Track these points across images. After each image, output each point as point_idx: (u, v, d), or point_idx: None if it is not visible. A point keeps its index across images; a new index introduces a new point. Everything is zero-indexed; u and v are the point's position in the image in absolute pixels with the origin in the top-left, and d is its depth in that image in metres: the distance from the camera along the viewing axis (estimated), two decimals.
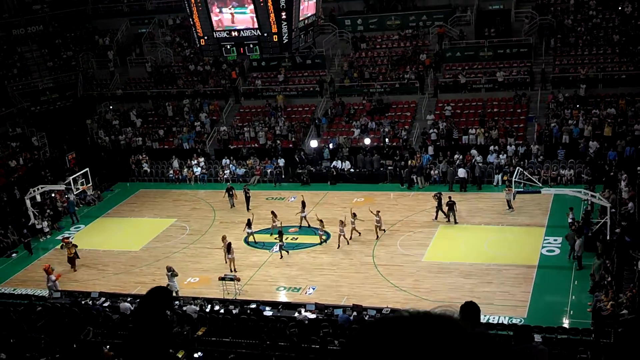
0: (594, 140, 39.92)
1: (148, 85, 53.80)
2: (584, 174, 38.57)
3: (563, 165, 39.76)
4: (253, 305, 27.54)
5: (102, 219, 41.31)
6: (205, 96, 51.45)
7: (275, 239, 34.01)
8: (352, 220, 34.04)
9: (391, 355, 1.20)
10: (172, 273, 29.79)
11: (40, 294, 31.25)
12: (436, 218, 36.01)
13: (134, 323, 3.85)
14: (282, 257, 32.92)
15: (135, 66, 55.49)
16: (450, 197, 35.86)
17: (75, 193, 41.24)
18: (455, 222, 35.40)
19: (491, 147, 41.49)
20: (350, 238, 34.06)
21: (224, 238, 33.16)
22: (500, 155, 40.86)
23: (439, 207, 35.90)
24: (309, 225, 36.08)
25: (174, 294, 30.06)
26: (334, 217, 35.70)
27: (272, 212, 35.52)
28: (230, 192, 40.65)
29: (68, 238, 34.64)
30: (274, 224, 34.99)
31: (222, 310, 27.39)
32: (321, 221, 34.38)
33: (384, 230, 34.71)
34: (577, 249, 29.51)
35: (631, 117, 40.56)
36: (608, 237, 30.31)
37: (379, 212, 34.47)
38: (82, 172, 42.12)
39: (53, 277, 30.64)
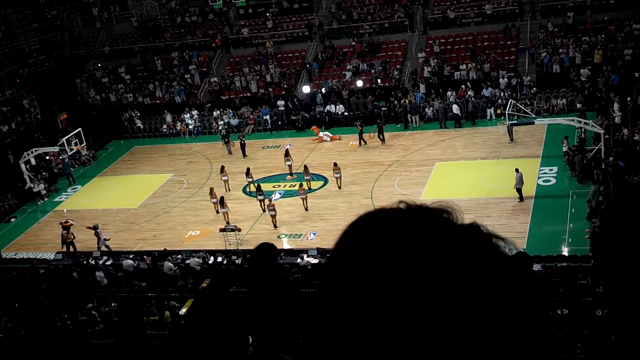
0: (584, 68, 39.70)
1: (135, 40, 53.15)
2: (577, 102, 38.46)
3: (556, 94, 39.60)
4: None
5: (98, 178, 41.17)
6: (194, 48, 50.86)
7: (292, 186, 34.28)
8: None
9: (386, 245, 1.20)
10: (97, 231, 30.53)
11: (42, 257, 31.28)
12: (362, 144, 38.67)
13: (246, 281, 3.82)
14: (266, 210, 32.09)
15: (121, 22, 54.73)
16: (378, 121, 39.06)
17: (69, 154, 41.02)
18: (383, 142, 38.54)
19: (484, 83, 41.24)
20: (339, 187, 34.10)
21: (211, 191, 33.16)
22: (490, 89, 40.66)
23: (361, 134, 38.28)
24: (290, 172, 36.00)
25: (104, 249, 30.75)
26: (330, 161, 35.61)
27: (305, 167, 34.94)
28: (227, 140, 40.55)
29: (67, 222, 32.68)
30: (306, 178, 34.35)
31: (224, 262, 27.46)
32: (306, 167, 34.39)
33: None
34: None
35: (621, 42, 40.23)
36: (603, 164, 30.42)
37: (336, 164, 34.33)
38: (75, 132, 41.83)
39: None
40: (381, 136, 39.03)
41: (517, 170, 29.97)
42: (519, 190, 29.97)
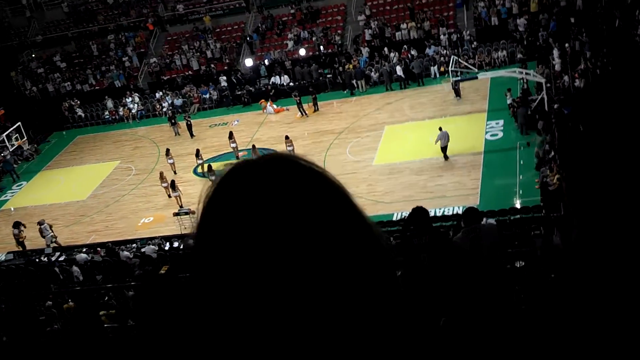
0: (521, 18, 39.94)
1: (68, 26, 51.67)
2: (517, 53, 38.66)
3: (496, 47, 39.77)
4: None
5: (43, 172, 39.98)
6: (130, 29, 49.61)
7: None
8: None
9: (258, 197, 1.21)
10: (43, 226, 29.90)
11: None
12: (303, 115, 38.51)
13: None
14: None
15: (51, 9, 53.21)
16: (310, 89, 39.37)
17: (10, 150, 39.78)
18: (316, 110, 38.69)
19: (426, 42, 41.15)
20: None
21: (162, 175, 32.53)
22: (434, 47, 40.57)
23: (300, 105, 38.24)
24: (237, 157, 35.26)
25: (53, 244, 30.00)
26: (280, 134, 35.14)
27: (253, 146, 34.25)
28: (173, 121, 39.81)
29: (20, 225, 31.32)
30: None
31: (181, 246, 26.93)
32: (254, 147, 33.80)
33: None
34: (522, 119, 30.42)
35: None
36: (547, 112, 30.50)
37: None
38: (14, 127, 40.59)
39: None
40: (315, 106, 38.91)
41: (440, 128, 30.15)
42: (444, 149, 30.07)
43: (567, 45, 35.33)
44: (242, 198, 1.22)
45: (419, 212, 8.09)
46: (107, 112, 44.97)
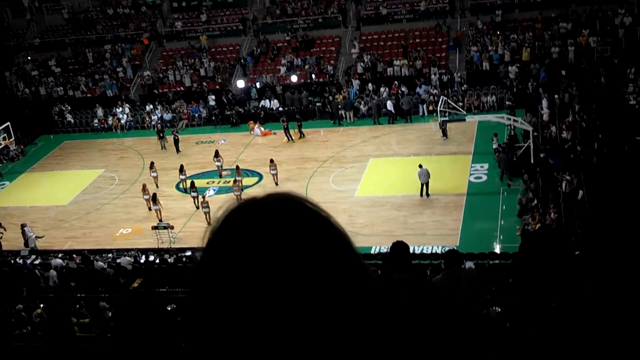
0: (513, 65, 40.53)
1: (66, 32, 52.13)
2: (506, 100, 39.21)
3: (485, 91, 40.30)
4: (189, 253, 27.26)
5: (27, 174, 40.19)
6: (127, 40, 50.12)
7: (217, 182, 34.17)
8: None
9: (250, 242, 1.25)
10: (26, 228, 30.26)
11: None
12: (289, 141, 38.99)
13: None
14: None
15: (51, 13, 53.69)
16: (297, 117, 39.80)
17: None
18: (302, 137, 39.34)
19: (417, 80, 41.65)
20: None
21: (144, 187, 32.84)
22: (425, 87, 41.04)
23: (287, 130, 38.82)
24: (220, 175, 35.72)
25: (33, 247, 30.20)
26: (265, 157, 35.58)
27: (237, 167, 34.19)
28: (161, 135, 40.20)
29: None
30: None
31: (157, 260, 27.13)
32: (237, 168, 33.92)
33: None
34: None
35: (548, 40, 41.23)
36: (532, 161, 30.94)
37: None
38: (2, 126, 40.83)
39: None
40: (301, 133, 39.47)
41: (420, 166, 30.49)
42: (426, 185, 30.40)
43: (556, 96, 35.88)
44: (246, 238, 1.26)
45: (400, 247, 8.17)
46: (96, 120, 45.28)
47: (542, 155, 30.67)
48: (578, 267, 19.61)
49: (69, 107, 46.43)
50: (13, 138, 41.43)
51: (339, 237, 1.36)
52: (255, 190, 33.91)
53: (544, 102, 35.79)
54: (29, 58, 51.34)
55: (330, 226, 1.36)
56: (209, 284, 1.27)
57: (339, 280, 1.26)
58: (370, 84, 42.14)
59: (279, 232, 1.26)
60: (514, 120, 33.15)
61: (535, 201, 27.35)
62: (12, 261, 28.49)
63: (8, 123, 41.01)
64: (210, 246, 1.31)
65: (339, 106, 40.77)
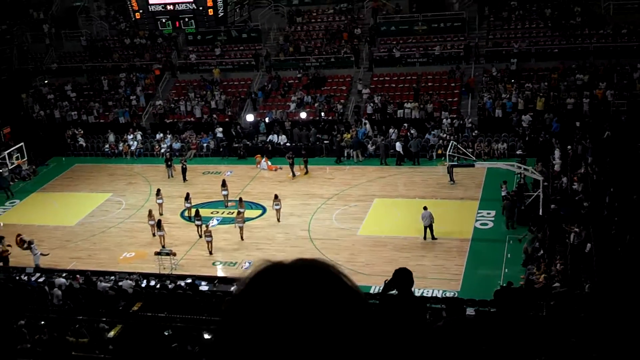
0: (526, 114, 40.63)
1: (83, 59, 53.29)
2: (517, 148, 39.28)
3: (497, 138, 40.31)
4: (189, 280, 27.69)
5: (37, 193, 41.07)
6: (142, 70, 51.24)
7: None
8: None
9: (280, 305, 1.29)
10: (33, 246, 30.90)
11: None
12: (293, 176, 39.51)
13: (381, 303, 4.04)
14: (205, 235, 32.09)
15: (70, 40, 54.85)
16: (303, 152, 40.35)
17: (9, 167, 40.94)
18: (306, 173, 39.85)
19: (428, 124, 41.91)
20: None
21: (150, 213, 33.53)
22: (436, 131, 41.19)
23: (292, 166, 39.47)
24: (226, 205, 36.29)
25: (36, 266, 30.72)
26: (270, 190, 36.23)
27: (240, 199, 34.66)
28: (169, 163, 40.99)
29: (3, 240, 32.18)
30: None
31: (157, 285, 27.67)
32: (240, 200, 34.45)
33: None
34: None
35: (563, 91, 41.34)
36: (541, 211, 30.84)
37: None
38: (17, 146, 41.78)
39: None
40: (306, 169, 40.06)
41: (425, 208, 30.68)
42: (430, 227, 30.40)
43: (569, 147, 35.91)
44: (269, 306, 1.28)
45: (404, 274, 7.63)
46: (107, 145, 46.25)
47: (552, 206, 30.52)
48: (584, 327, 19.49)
49: (82, 131, 47.41)
50: (26, 158, 42.37)
51: (362, 306, 1.37)
52: (259, 221, 34.55)
53: (557, 153, 35.90)
54: (46, 82, 52.44)
55: (354, 295, 1.36)
56: (230, 348, 1.30)
57: (361, 350, 1.28)
58: (380, 125, 42.52)
59: (303, 301, 1.28)
60: (525, 169, 33.09)
61: (542, 251, 27.16)
62: (17, 277, 29.17)
63: (22, 143, 41.98)
64: (233, 307, 1.35)
65: (343, 145, 41.42)
